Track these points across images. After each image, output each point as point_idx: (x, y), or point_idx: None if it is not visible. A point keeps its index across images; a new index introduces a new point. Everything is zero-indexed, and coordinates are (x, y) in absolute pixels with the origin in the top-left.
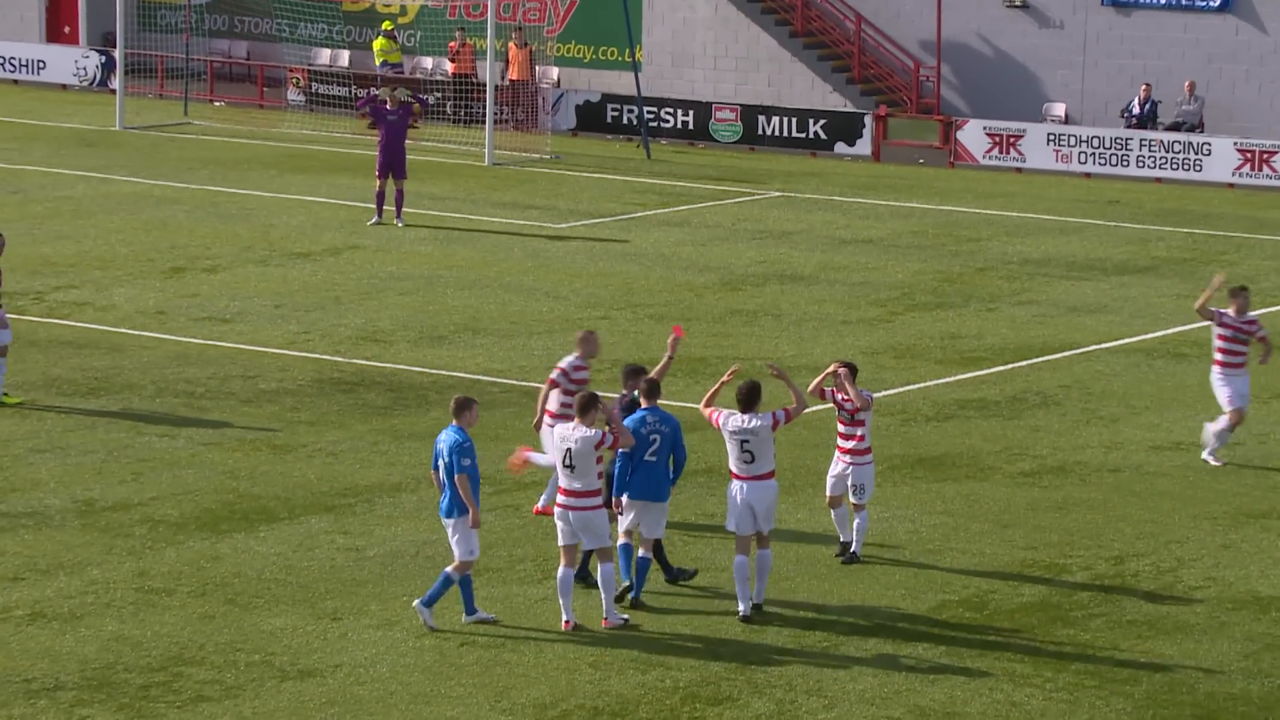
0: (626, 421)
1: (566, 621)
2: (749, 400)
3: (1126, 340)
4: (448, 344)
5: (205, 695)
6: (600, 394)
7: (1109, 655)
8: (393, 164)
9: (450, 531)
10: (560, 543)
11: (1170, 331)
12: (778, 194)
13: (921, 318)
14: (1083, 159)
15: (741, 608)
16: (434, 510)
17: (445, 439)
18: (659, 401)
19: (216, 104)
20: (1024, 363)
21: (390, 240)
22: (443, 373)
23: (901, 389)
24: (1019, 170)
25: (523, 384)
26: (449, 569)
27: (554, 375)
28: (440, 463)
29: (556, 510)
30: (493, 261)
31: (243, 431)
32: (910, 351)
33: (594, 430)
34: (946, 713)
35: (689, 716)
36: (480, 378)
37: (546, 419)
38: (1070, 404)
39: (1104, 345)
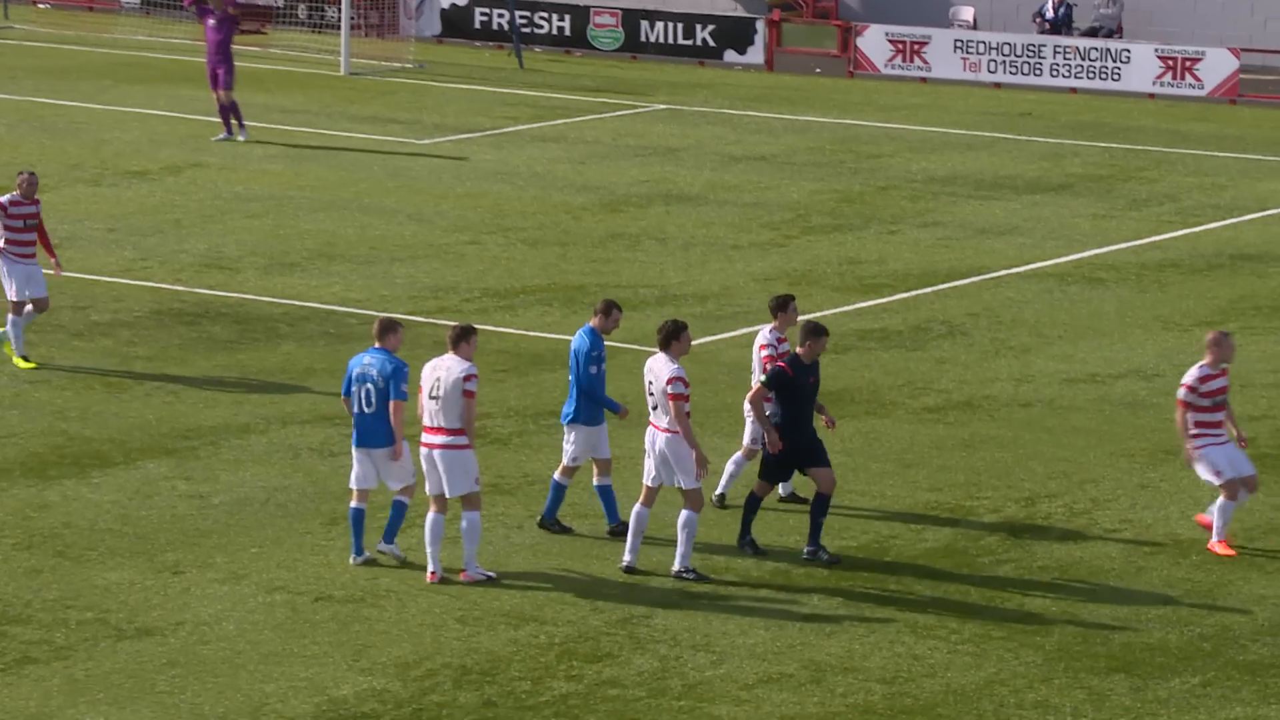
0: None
1: (432, 573)
2: (664, 342)
3: (1039, 264)
4: (300, 271)
5: (32, 657)
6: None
7: (1018, 604)
8: (215, 72)
9: (370, 462)
10: (428, 490)
11: (1086, 255)
12: (662, 107)
13: (818, 241)
14: (992, 68)
15: (627, 558)
16: (285, 454)
17: (373, 363)
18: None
19: (40, 5)
20: (928, 289)
21: (236, 158)
22: (295, 303)
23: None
24: (923, 80)
25: (384, 314)
26: (400, 496)
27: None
28: (364, 388)
29: (421, 451)
30: (350, 181)
31: (73, 368)
32: (806, 278)
33: (468, 363)
34: (844, 667)
35: (565, 674)
36: (337, 308)
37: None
38: (978, 334)
39: (1014, 270)
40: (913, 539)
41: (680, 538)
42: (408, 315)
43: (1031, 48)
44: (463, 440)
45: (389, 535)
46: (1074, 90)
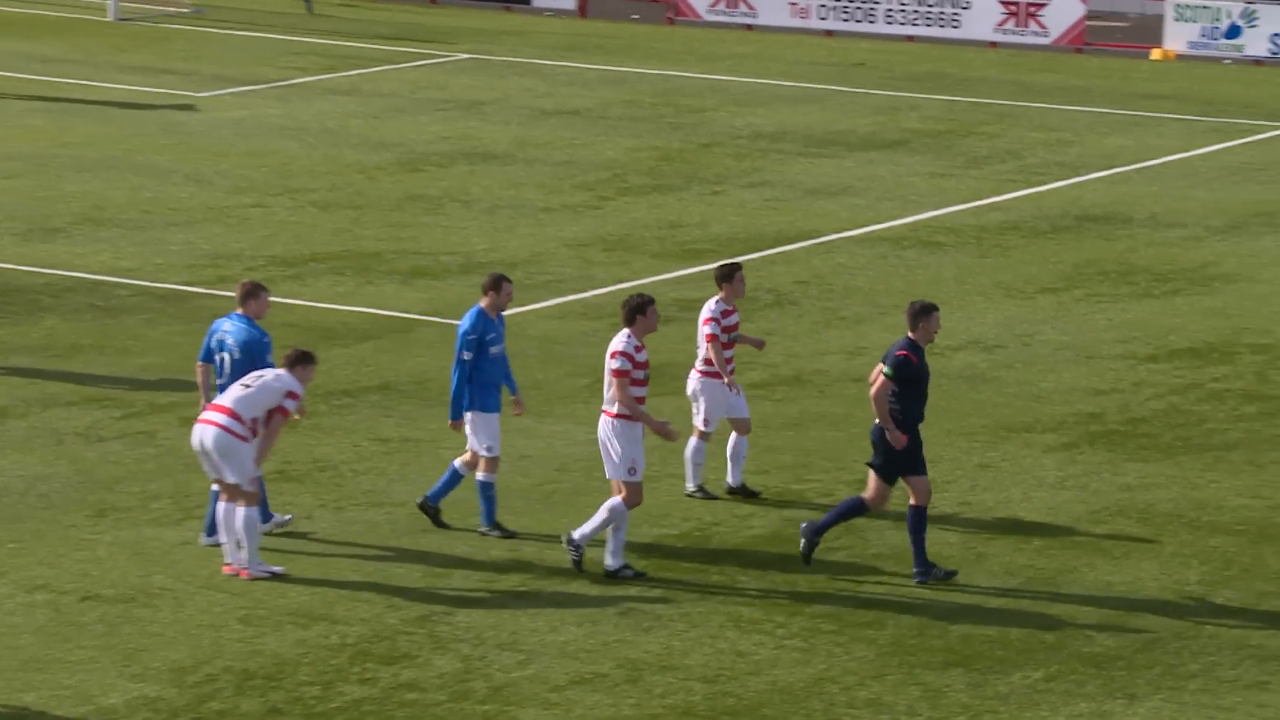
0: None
1: (227, 565)
2: (628, 317)
3: (873, 227)
4: (64, 238)
5: None
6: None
7: (850, 595)
8: None
9: None
10: (208, 474)
11: (923, 216)
12: (465, 56)
13: (636, 203)
14: (823, 14)
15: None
16: (48, 439)
17: (231, 330)
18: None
19: None
20: (755, 255)
21: None
22: (58, 272)
23: (612, 288)
24: (749, 28)
25: (157, 285)
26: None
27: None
28: (221, 356)
29: (195, 428)
30: (119, 138)
31: None
32: (623, 243)
33: (296, 382)
34: (662, 666)
35: (359, 678)
36: (105, 279)
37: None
38: (808, 303)
39: (847, 234)
40: (737, 526)
41: (610, 530)
42: (185, 285)
43: None
44: (242, 431)
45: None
46: (911, 39)
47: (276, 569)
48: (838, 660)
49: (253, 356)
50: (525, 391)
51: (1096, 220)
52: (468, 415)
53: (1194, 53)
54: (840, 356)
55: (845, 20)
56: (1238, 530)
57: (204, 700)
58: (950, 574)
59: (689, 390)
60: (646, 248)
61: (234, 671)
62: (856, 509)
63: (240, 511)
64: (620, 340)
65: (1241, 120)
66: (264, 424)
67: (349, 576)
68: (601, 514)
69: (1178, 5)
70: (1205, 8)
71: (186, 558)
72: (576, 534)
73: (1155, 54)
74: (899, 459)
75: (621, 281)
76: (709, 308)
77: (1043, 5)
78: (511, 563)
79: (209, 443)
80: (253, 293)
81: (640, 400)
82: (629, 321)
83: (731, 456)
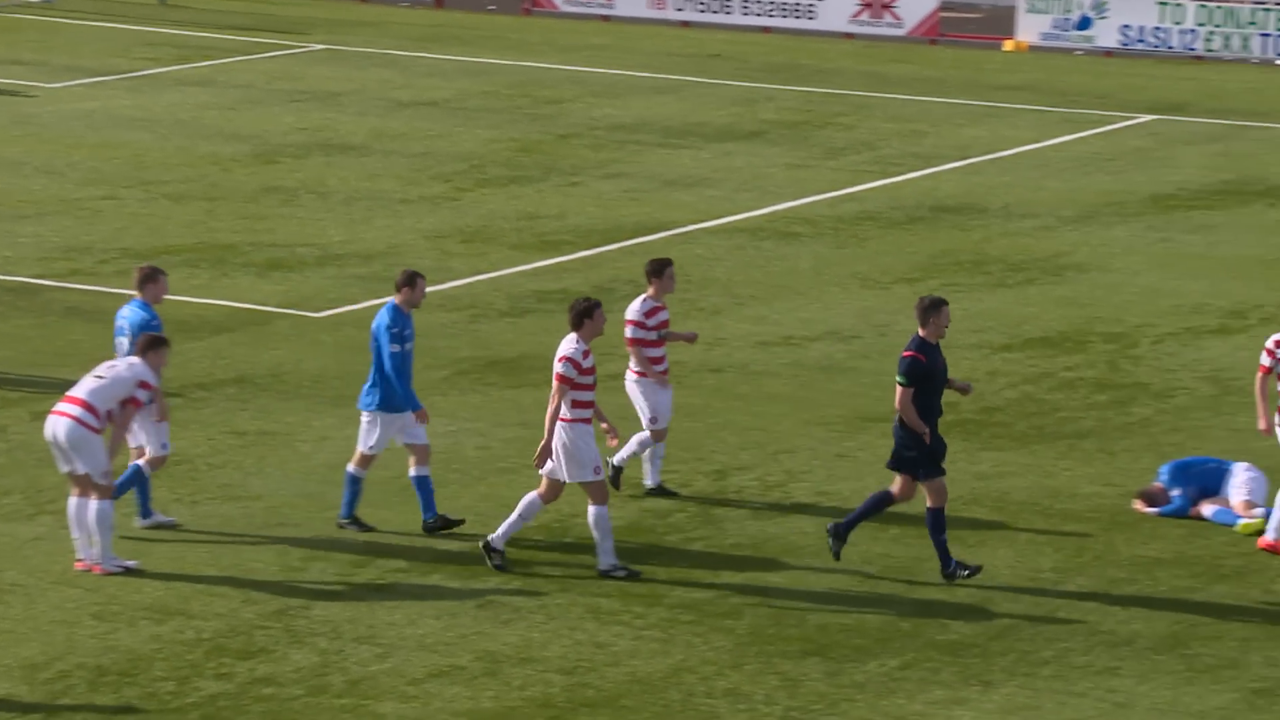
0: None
1: (79, 560)
2: (575, 321)
3: (730, 218)
4: None
5: None
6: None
7: (708, 585)
8: None
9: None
10: (60, 468)
11: (780, 207)
12: (321, 47)
13: (494, 194)
14: (679, 5)
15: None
16: None
17: (127, 315)
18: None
19: None
20: (613, 246)
21: None
22: None
23: (469, 279)
24: (606, 19)
25: (7, 278)
26: (141, 462)
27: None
28: (121, 341)
29: (48, 419)
30: None
31: None
32: (481, 234)
33: (149, 371)
34: (521, 658)
35: (214, 673)
36: None
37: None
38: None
39: (705, 225)
40: None
41: (596, 535)
42: (36, 279)
43: None
44: (95, 423)
45: (118, 491)
46: (767, 30)
47: (130, 563)
48: (696, 650)
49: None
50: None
51: (951, 211)
52: (367, 415)
53: (1046, 44)
54: (698, 347)
55: (702, 11)
56: (1090, 518)
57: (57, 697)
58: (976, 569)
59: (628, 392)
60: (504, 239)
61: (87, 668)
62: (882, 502)
63: (93, 505)
64: (569, 346)
65: (1092, 111)
66: (118, 415)
67: (205, 571)
68: (598, 532)
69: None
70: None
71: (38, 553)
72: (602, 566)
73: (1008, 45)
74: (918, 460)
75: (480, 273)
76: (634, 307)
77: None
78: (369, 556)
79: (61, 435)
80: (150, 277)
81: (589, 404)
82: (576, 325)
83: (648, 457)
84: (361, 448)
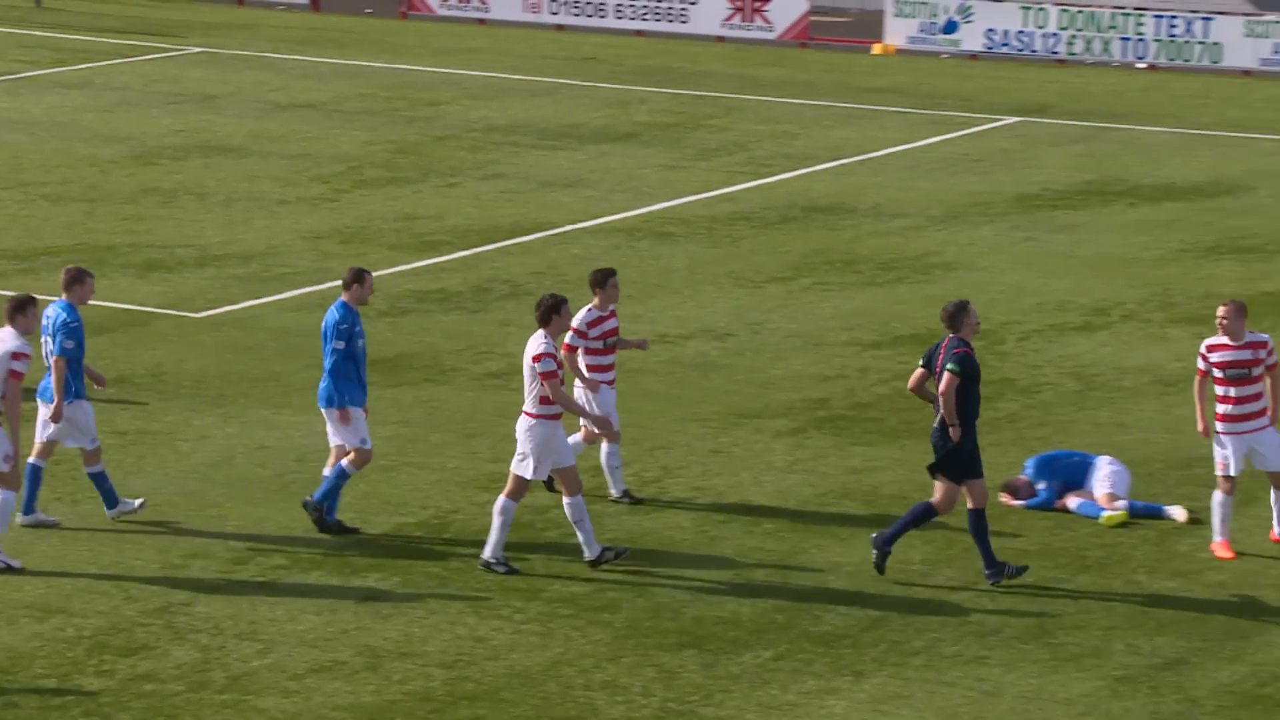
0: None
1: None
2: (543, 318)
3: (606, 219)
4: None
5: None
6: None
7: (587, 579)
8: None
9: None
10: None
11: (655, 208)
12: (198, 50)
13: (372, 195)
14: (554, 9)
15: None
16: None
17: (52, 315)
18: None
19: None
20: (490, 246)
21: None
22: None
23: None
24: (481, 22)
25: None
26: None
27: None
28: (44, 340)
29: None
30: None
31: None
32: (359, 235)
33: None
34: (401, 653)
35: (96, 670)
36: None
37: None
38: (544, 293)
39: (581, 225)
40: (475, 513)
41: (575, 527)
42: None
43: None
44: None
45: (27, 505)
46: (640, 33)
47: (13, 562)
48: (574, 644)
49: (76, 343)
50: (263, 383)
51: (823, 211)
52: (335, 411)
53: (913, 47)
54: None
55: (576, 15)
56: (958, 511)
57: None
58: (1021, 570)
59: (577, 398)
60: (383, 239)
61: None
62: (925, 514)
63: None
64: (540, 343)
65: (959, 113)
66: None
67: (86, 569)
68: (578, 525)
69: (897, 1)
70: (924, 4)
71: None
72: (588, 556)
73: (876, 48)
74: (959, 462)
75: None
76: (578, 317)
77: (767, 1)
78: (250, 553)
79: None
80: (77, 279)
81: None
82: (544, 322)
83: (607, 468)
84: (354, 443)
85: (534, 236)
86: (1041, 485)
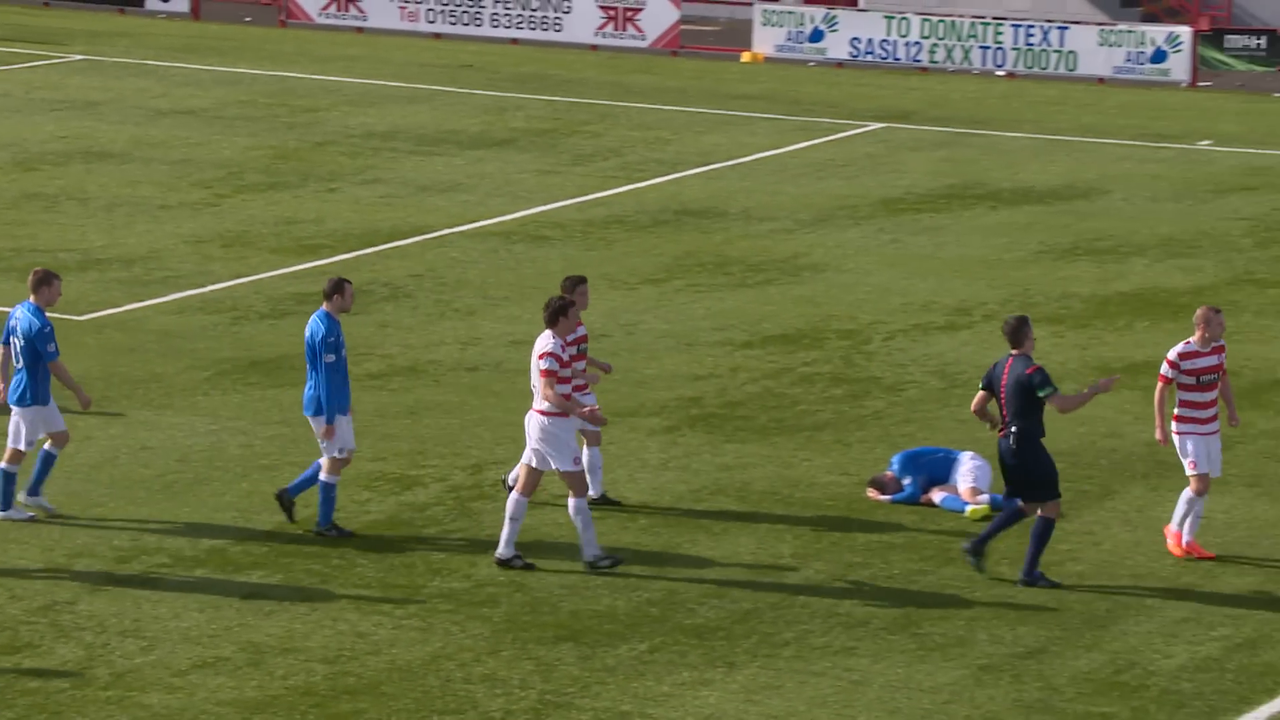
0: None
1: None
2: (550, 319)
3: (483, 223)
4: None
5: None
6: None
7: (466, 575)
8: None
9: (18, 419)
10: None
11: (531, 212)
12: (80, 58)
13: (253, 200)
14: (431, 17)
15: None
16: None
17: (20, 317)
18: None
19: None
20: (369, 250)
21: None
22: None
23: (229, 283)
24: (360, 30)
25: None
26: (49, 447)
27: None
28: (15, 342)
29: None
30: None
31: None
32: (241, 239)
33: None
34: (284, 649)
35: None
36: None
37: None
38: (422, 295)
39: (459, 229)
40: (356, 511)
41: (578, 526)
42: None
43: None
44: None
45: (34, 488)
46: (516, 41)
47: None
48: (454, 638)
49: (32, 343)
50: (145, 385)
51: (694, 214)
52: (322, 422)
53: (781, 55)
54: (454, 347)
55: (453, 24)
56: (827, 505)
57: None
58: (1055, 584)
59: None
60: (264, 244)
61: None
62: (1015, 516)
63: None
64: (547, 342)
65: (826, 119)
66: None
67: None
68: (580, 521)
69: (765, 10)
70: (790, 13)
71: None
72: (586, 557)
73: (745, 57)
74: (1041, 484)
75: (240, 276)
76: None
77: (639, 10)
78: (134, 552)
79: None
80: (45, 281)
81: (568, 397)
82: (552, 323)
83: (588, 468)
84: (332, 453)
85: (412, 240)
86: (907, 481)
